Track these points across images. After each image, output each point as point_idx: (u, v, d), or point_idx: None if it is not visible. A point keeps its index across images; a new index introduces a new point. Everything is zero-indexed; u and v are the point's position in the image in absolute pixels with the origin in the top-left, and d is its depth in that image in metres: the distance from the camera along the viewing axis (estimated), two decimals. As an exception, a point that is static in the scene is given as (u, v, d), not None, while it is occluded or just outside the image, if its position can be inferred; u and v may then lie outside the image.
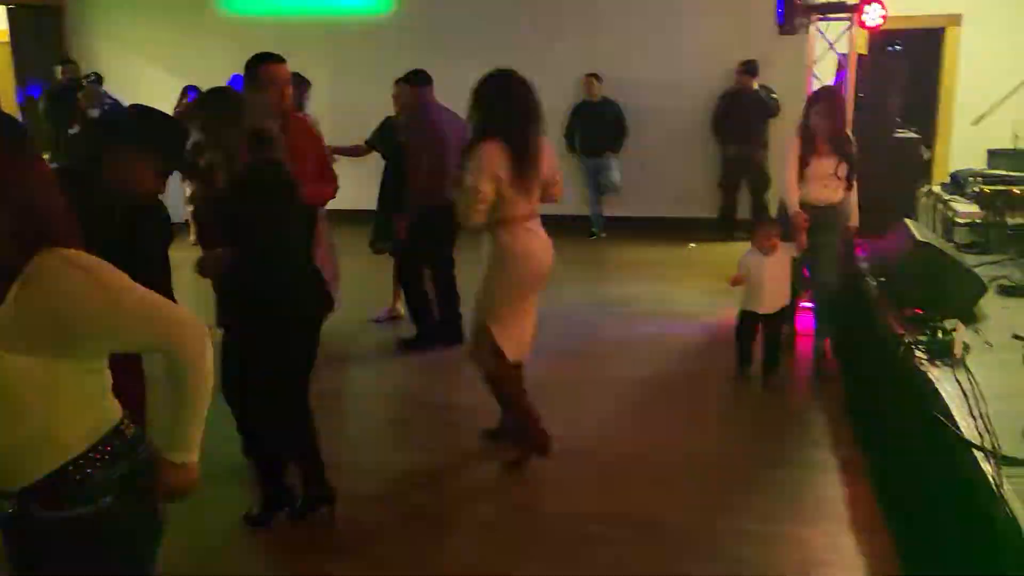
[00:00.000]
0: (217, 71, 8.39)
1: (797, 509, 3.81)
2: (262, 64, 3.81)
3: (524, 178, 3.84)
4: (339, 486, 3.66)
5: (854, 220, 5.31)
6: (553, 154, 4.11)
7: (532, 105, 3.90)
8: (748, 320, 5.17)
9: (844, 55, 5.79)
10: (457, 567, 3.40)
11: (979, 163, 7.61)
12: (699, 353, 5.79)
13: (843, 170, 5.13)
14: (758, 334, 5.17)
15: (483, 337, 4.00)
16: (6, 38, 10.30)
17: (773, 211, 8.60)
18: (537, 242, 3.99)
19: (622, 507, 3.78)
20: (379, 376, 5.59)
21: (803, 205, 5.12)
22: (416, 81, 5.76)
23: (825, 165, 5.11)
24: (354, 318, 6.13)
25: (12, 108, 9.69)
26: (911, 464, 3.54)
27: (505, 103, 3.84)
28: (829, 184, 5.15)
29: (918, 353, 3.81)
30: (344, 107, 8.68)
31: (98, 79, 8.98)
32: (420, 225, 5.70)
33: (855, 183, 5.22)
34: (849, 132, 5.29)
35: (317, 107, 6.67)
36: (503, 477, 4.13)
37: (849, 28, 5.69)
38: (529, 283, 4.00)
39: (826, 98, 5.22)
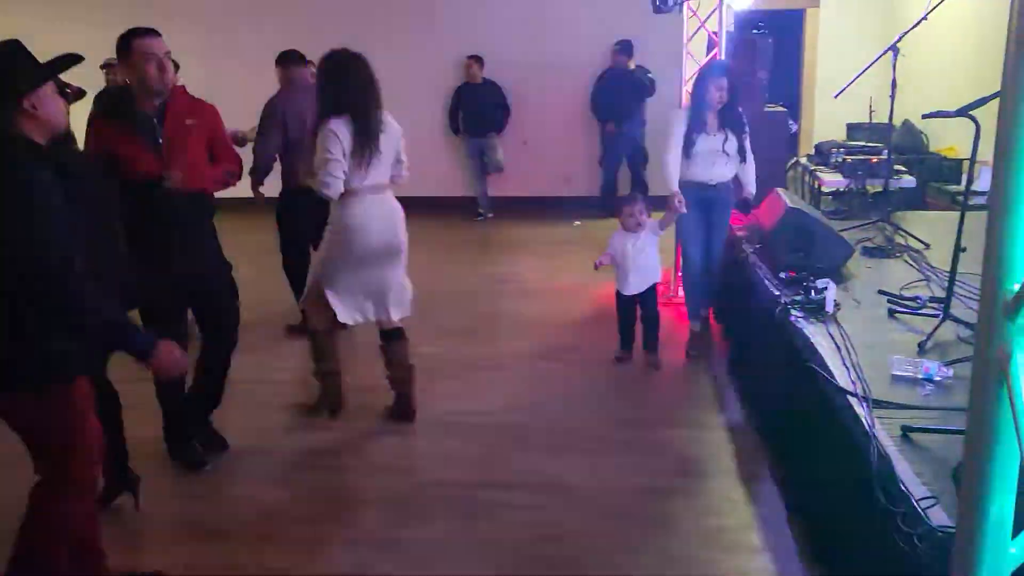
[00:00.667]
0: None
1: (689, 465, 4.00)
2: (135, 38, 3.60)
3: (363, 153, 4.03)
4: (241, 469, 3.61)
5: (750, 189, 5.26)
6: (400, 133, 4.26)
7: (370, 81, 4.08)
8: (623, 301, 5.21)
9: (715, 33, 6.02)
10: (356, 534, 3.43)
11: (840, 136, 8.10)
12: (587, 327, 5.94)
13: (732, 146, 5.03)
14: (637, 313, 5.21)
15: (318, 297, 4.28)
16: None
17: (654, 188, 8.93)
18: (377, 215, 4.19)
19: (520, 474, 3.89)
20: (273, 361, 5.49)
21: (692, 183, 5.01)
22: (278, 61, 5.73)
23: (712, 141, 4.99)
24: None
25: None
26: (792, 414, 3.77)
27: (345, 80, 4.00)
28: (718, 161, 5.04)
29: (794, 312, 4.05)
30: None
31: None
32: (284, 210, 5.68)
33: (750, 156, 5.15)
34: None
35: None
36: (402, 452, 4.16)
37: (719, 7, 5.92)
38: (364, 254, 4.20)
39: (719, 72, 5.03)
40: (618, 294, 5.22)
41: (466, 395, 4.80)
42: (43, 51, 2.61)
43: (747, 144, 5.14)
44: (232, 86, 9.49)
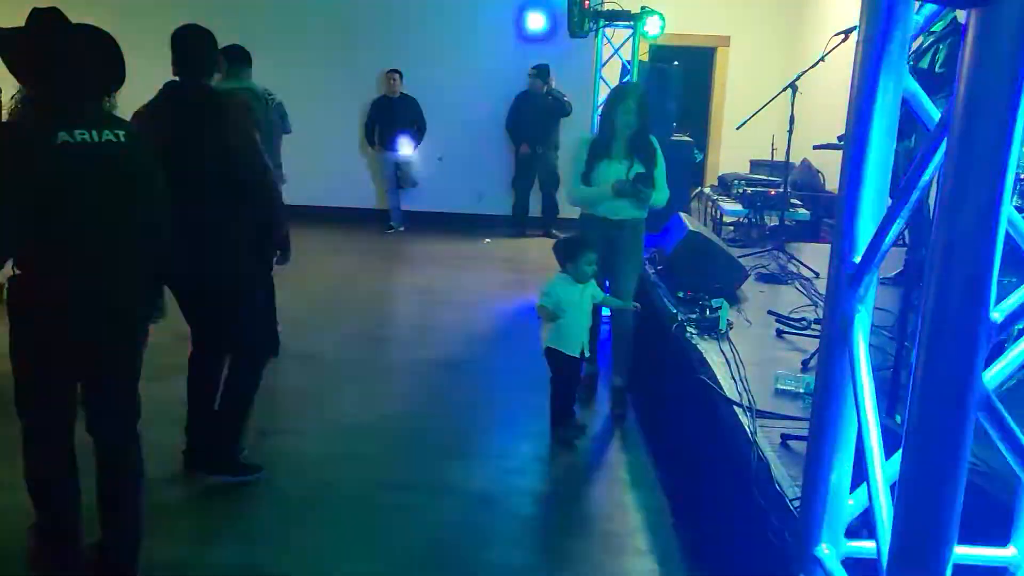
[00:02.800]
0: None
1: (582, 473, 4.10)
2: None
3: None
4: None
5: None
6: None
7: None
8: (566, 363, 4.36)
9: (629, 61, 6.24)
10: (250, 530, 3.40)
11: (744, 170, 8.44)
12: (491, 337, 6.03)
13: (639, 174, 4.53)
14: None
15: None
16: None
17: (564, 211, 9.12)
18: None
19: (417, 476, 3.92)
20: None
21: (594, 219, 4.61)
22: None
23: (617, 169, 4.53)
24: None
25: None
26: (683, 424, 3.91)
27: None
28: None
29: (689, 329, 4.21)
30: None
31: None
32: None
33: (663, 191, 4.65)
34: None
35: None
36: (300, 453, 4.14)
37: (632, 35, 6.15)
38: None
39: (635, 95, 4.65)
40: (556, 354, 4.33)
41: (367, 400, 4.80)
42: None
43: (659, 175, 4.61)
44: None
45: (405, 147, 9.29)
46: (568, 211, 9.25)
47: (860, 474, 1.15)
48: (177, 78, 3.55)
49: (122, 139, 2.72)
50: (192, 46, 3.54)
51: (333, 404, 4.68)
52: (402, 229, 9.45)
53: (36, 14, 2.67)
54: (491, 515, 3.62)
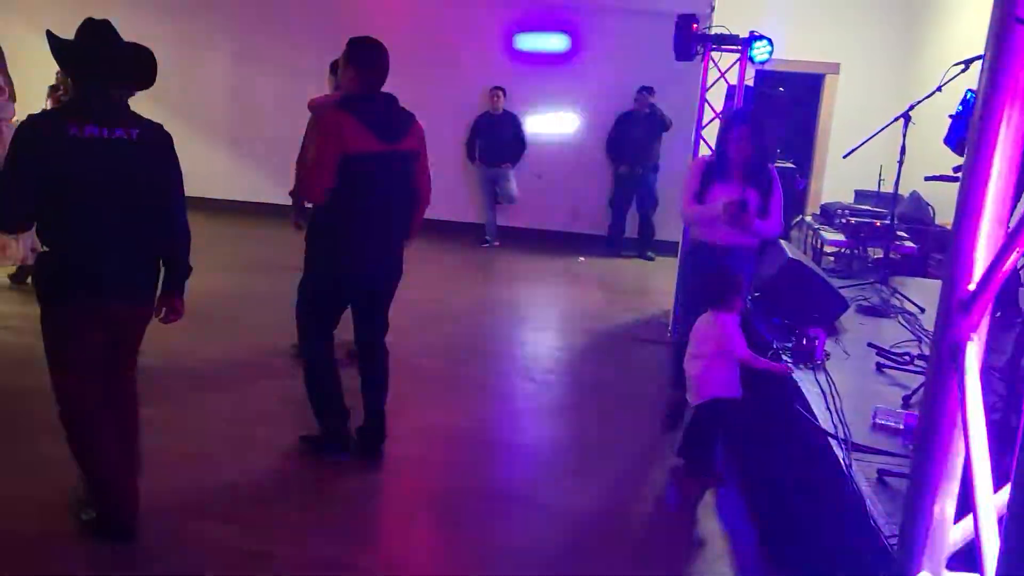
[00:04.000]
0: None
1: (663, 496, 4.06)
2: None
3: None
4: (236, 457, 3.65)
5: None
6: None
7: None
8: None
9: (734, 85, 6.19)
10: (338, 526, 3.49)
11: (848, 200, 8.23)
12: (583, 356, 6.03)
13: (753, 202, 4.50)
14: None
15: None
16: None
17: (661, 234, 9.07)
18: None
19: (496, 486, 3.96)
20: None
21: (703, 244, 4.59)
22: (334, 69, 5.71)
23: (728, 194, 4.48)
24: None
25: None
26: (773, 453, 3.84)
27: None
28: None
29: (784, 357, 4.13)
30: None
31: None
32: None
33: (776, 218, 4.62)
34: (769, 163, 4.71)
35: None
36: (398, 457, 4.22)
37: (740, 60, 6.09)
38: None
39: (751, 122, 4.63)
40: (725, 402, 4.00)
41: (463, 409, 4.87)
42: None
43: (774, 205, 4.58)
44: (261, 91, 9.72)
45: (504, 164, 9.40)
46: (665, 234, 9.21)
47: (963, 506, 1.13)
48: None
49: (134, 138, 3.03)
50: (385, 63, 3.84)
51: (431, 411, 4.77)
52: (497, 244, 9.55)
53: (90, 23, 3.04)
54: (576, 531, 3.62)
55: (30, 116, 3.09)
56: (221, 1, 9.82)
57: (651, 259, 9.25)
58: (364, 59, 3.77)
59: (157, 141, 3.14)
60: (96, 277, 3.06)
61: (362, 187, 3.70)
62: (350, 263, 3.84)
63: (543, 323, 6.70)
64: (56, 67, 7.13)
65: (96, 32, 3.05)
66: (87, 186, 2.99)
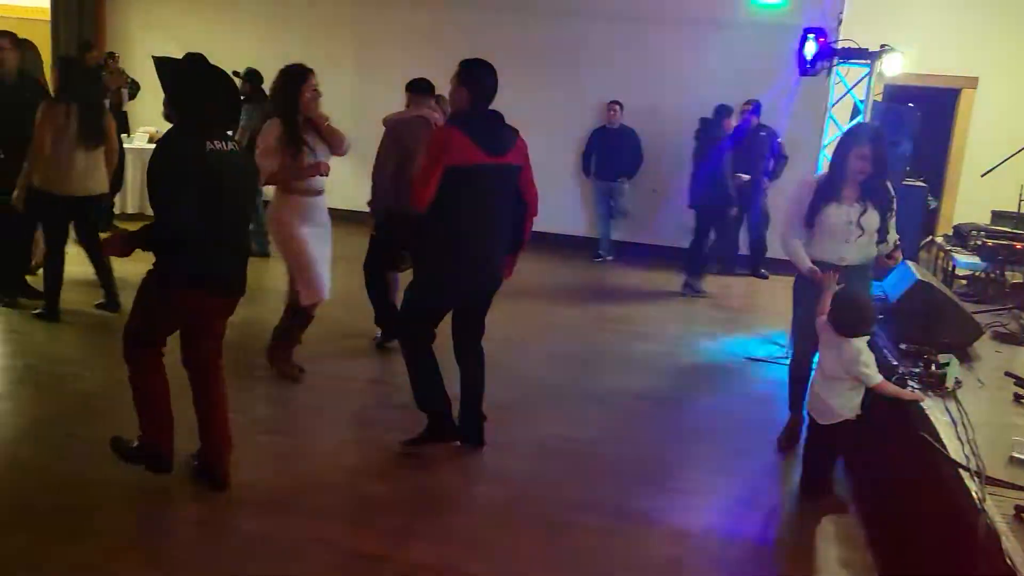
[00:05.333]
0: (244, 58, 8.63)
1: (781, 520, 3.93)
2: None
3: None
4: (346, 459, 3.73)
5: (896, 254, 4.63)
6: None
7: None
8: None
9: (862, 100, 5.97)
10: (447, 532, 3.54)
11: (984, 221, 7.81)
12: (692, 373, 5.93)
13: (871, 221, 4.34)
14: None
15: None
16: (48, 16, 10.49)
17: (770, 250, 8.83)
18: None
19: (604, 501, 3.92)
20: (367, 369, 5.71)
21: (815, 263, 4.35)
22: (409, 87, 5.77)
23: (846, 213, 4.33)
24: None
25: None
26: (897, 482, 3.66)
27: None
28: (851, 238, 4.34)
29: (911, 383, 3.94)
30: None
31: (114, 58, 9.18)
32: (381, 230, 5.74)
33: (893, 237, 4.48)
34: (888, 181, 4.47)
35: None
36: (498, 465, 4.25)
37: (868, 75, 5.88)
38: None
39: (871, 138, 4.36)
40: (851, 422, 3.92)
41: (566, 421, 4.86)
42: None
43: (892, 223, 4.45)
44: (383, 106, 9.99)
45: (620, 178, 9.36)
46: (777, 251, 8.95)
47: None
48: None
49: (235, 149, 3.56)
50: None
51: (533, 422, 4.78)
52: (610, 258, 9.50)
53: (192, 56, 3.59)
54: (685, 551, 3.55)
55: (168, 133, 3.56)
56: (343, 18, 10.16)
57: (764, 277, 9.01)
58: (475, 80, 4.00)
59: (246, 152, 3.74)
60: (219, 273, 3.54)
61: (469, 197, 3.91)
62: (458, 269, 4.03)
63: (654, 339, 6.61)
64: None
65: (200, 64, 3.57)
66: (219, 192, 3.48)
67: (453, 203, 3.87)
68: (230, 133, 3.71)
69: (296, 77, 4.80)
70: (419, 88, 5.64)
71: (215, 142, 3.45)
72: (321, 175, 4.80)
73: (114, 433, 3.79)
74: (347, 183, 10.18)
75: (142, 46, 10.22)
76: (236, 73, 8.35)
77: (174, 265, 3.47)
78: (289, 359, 5.17)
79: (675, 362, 6.13)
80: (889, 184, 4.48)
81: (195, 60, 3.58)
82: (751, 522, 3.88)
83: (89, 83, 6.11)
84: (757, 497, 4.11)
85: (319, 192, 4.89)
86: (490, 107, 4.05)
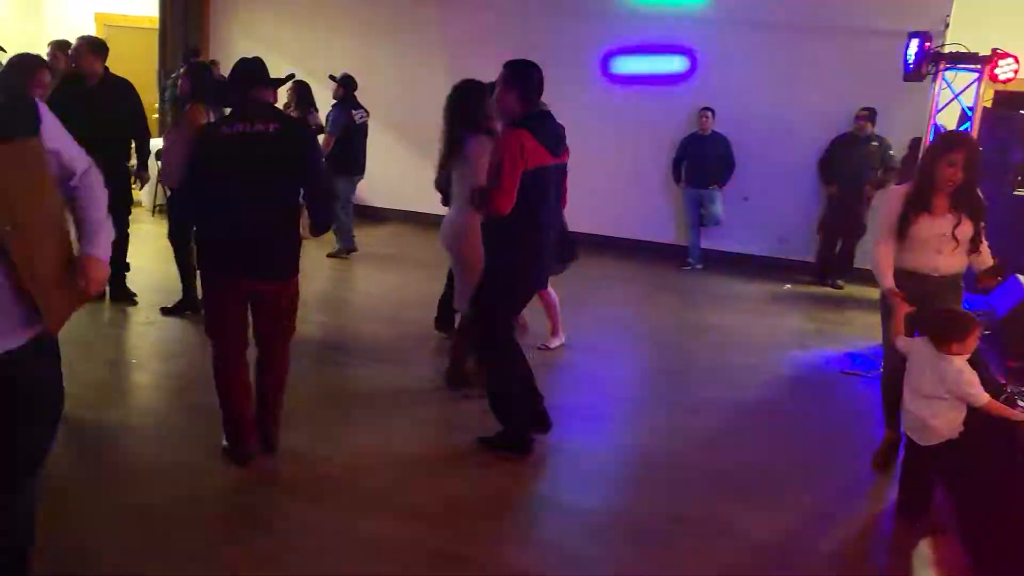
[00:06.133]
0: (339, 64, 8.84)
1: (876, 543, 3.80)
2: None
3: None
4: (431, 462, 3.78)
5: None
6: None
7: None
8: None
9: (970, 107, 5.75)
10: (538, 538, 3.55)
11: (1099, 233, 7.40)
12: (784, 385, 5.79)
13: (965, 231, 4.20)
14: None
15: None
16: (156, 24, 10.97)
17: (859, 262, 8.55)
18: None
19: (700, 513, 3.86)
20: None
21: (907, 273, 4.24)
22: None
23: (938, 224, 4.19)
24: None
25: (154, 90, 10.34)
26: (1007, 507, 3.50)
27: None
28: (944, 248, 4.21)
29: (1020, 402, 3.76)
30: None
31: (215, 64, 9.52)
32: None
33: (984, 247, 4.31)
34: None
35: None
36: (588, 472, 4.23)
37: (978, 80, 5.65)
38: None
39: (965, 145, 4.21)
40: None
41: (656, 429, 4.82)
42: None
43: (982, 231, 4.31)
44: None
45: (711, 185, 9.23)
46: (865, 262, 8.67)
47: None
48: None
49: (270, 130, 3.67)
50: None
51: (621, 431, 4.76)
52: (699, 267, 9.37)
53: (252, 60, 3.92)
54: (771, 565, 3.47)
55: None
56: (432, 20, 10.30)
57: (839, 288, 8.74)
58: (523, 79, 4.05)
59: (296, 134, 3.89)
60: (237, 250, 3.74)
61: (537, 198, 4.01)
62: (530, 268, 4.17)
63: (742, 349, 6.48)
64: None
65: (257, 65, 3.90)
66: (232, 172, 3.73)
67: (526, 205, 3.94)
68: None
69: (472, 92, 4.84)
70: None
71: (244, 124, 3.67)
72: None
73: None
74: (408, 183, 10.40)
75: (242, 52, 10.54)
76: (332, 77, 8.61)
77: (203, 251, 3.86)
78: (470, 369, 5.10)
79: (766, 373, 6.01)
80: (979, 192, 4.30)
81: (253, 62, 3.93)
82: (847, 542, 3.77)
83: (217, 88, 6.35)
84: (852, 516, 4.00)
85: None
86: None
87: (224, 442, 4.00)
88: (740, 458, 4.52)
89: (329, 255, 8.39)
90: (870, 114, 8.58)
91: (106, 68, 6.12)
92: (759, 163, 9.33)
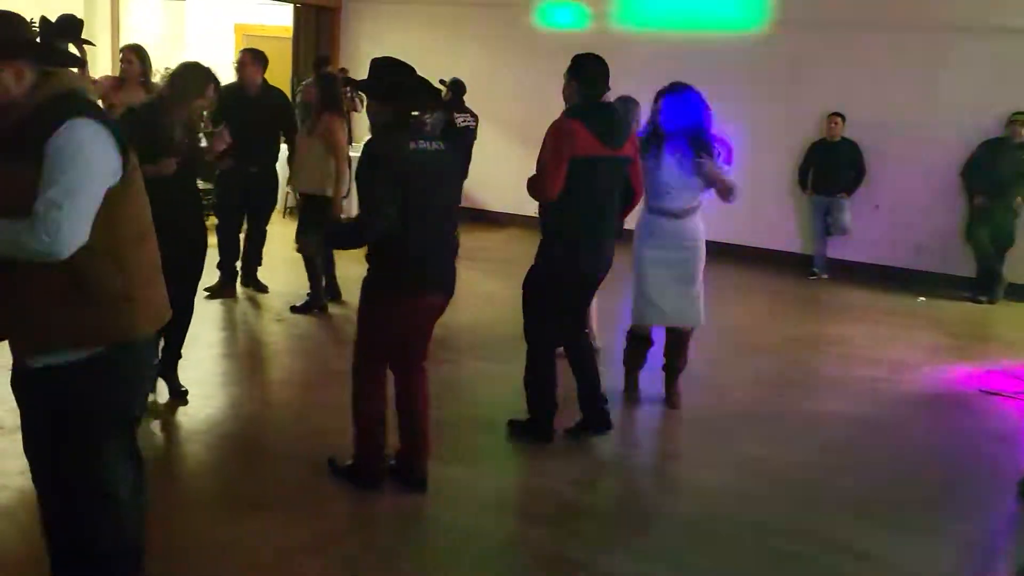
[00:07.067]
0: (463, 71, 8.98)
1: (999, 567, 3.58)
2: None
3: None
4: (549, 464, 3.79)
5: None
6: None
7: None
8: None
9: None
10: (646, 546, 3.50)
11: None
12: (913, 403, 5.51)
13: None
14: None
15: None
16: (290, 34, 11.44)
17: (1017, 274, 8.05)
18: None
19: (817, 529, 3.73)
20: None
21: None
22: None
23: None
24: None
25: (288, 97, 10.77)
26: None
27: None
28: None
29: None
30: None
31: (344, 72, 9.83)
32: None
33: None
34: None
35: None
36: (699, 482, 4.16)
37: None
38: None
39: None
40: None
41: (771, 441, 4.67)
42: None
43: None
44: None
45: (839, 193, 8.90)
46: (1013, 275, 8.17)
47: None
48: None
49: (442, 147, 3.60)
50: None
51: (736, 440, 4.64)
52: (825, 277, 9.04)
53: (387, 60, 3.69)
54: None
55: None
56: (555, 33, 10.34)
57: (982, 302, 8.21)
58: (581, 70, 4.18)
59: (451, 151, 3.73)
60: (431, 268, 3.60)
61: (586, 187, 4.08)
62: (575, 256, 4.21)
63: (872, 363, 6.21)
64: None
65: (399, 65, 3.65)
66: (422, 188, 3.50)
67: (573, 194, 4.06)
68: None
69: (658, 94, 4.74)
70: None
71: (419, 141, 3.50)
72: None
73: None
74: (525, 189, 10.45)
75: (369, 59, 10.87)
76: (442, 81, 8.76)
77: (395, 271, 3.50)
78: (629, 381, 5.10)
79: (895, 389, 5.74)
80: None
81: (394, 62, 3.67)
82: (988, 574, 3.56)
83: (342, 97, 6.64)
84: (994, 547, 3.77)
85: (676, 215, 4.70)
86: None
87: (348, 461, 3.83)
88: (865, 477, 4.33)
89: None
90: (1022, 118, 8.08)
91: (264, 78, 6.52)
92: (893, 170, 8.93)
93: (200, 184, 4.75)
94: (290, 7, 11.27)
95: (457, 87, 8.66)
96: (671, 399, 4.94)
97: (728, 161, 4.68)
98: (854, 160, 8.92)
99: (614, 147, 4.12)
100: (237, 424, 4.54)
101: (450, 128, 8.41)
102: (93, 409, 2.37)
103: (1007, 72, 8.38)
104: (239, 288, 6.85)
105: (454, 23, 10.91)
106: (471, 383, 5.36)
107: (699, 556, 3.49)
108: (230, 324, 6.31)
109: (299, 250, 6.16)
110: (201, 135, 4.62)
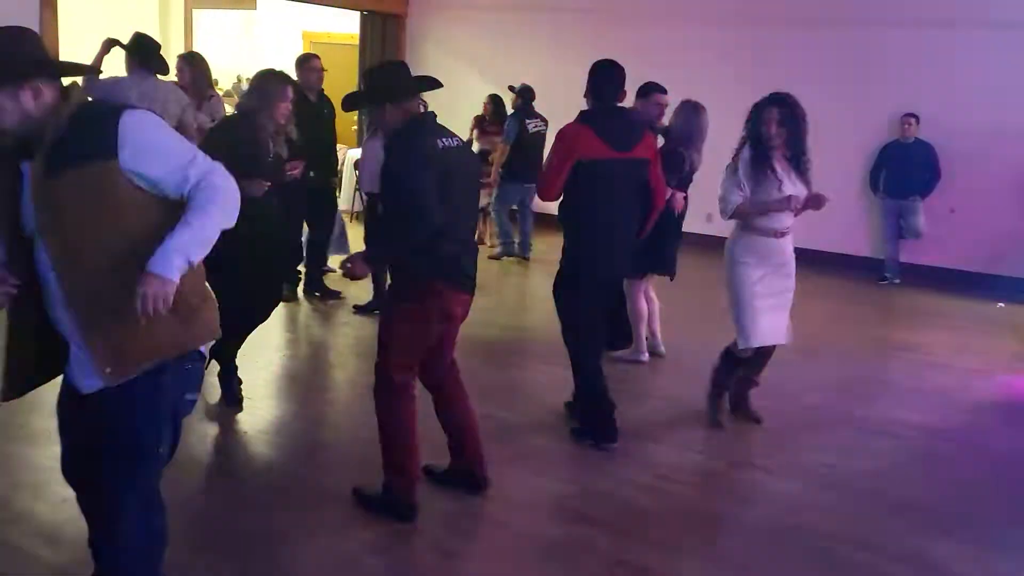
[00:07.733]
0: (528, 76, 9.00)
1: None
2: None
3: None
4: (611, 467, 3.77)
5: None
6: None
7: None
8: None
9: None
10: (713, 554, 3.47)
11: None
12: (990, 412, 5.34)
13: None
14: None
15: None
16: (356, 41, 11.62)
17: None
18: None
19: (891, 544, 3.63)
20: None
21: None
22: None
23: None
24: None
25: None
26: None
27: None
28: None
29: None
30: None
31: None
32: None
33: None
34: None
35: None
36: (768, 490, 4.09)
37: None
38: None
39: None
40: None
41: (841, 449, 4.58)
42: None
43: None
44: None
45: (913, 196, 8.66)
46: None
47: None
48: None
49: (463, 142, 3.57)
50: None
51: (804, 447, 4.56)
52: (897, 281, 8.81)
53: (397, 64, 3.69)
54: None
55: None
56: (626, 38, 10.28)
57: None
58: (592, 79, 4.29)
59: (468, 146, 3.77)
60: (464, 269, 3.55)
61: (596, 190, 4.20)
62: (591, 259, 4.29)
63: (945, 370, 6.03)
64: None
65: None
66: (453, 187, 3.41)
67: (582, 196, 4.21)
68: None
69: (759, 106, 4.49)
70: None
71: (442, 139, 3.39)
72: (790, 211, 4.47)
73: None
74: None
75: (436, 66, 10.98)
76: (511, 88, 8.80)
77: (431, 267, 3.38)
78: (714, 404, 4.81)
79: (970, 397, 5.56)
80: None
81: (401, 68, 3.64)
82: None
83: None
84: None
85: (782, 234, 4.57)
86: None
87: (379, 490, 3.59)
88: (939, 488, 4.22)
89: (490, 257, 8.81)
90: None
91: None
92: (968, 172, 8.66)
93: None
94: (357, 14, 11.44)
95: (526, 93, 8.70)
96: (751, 413, 4.82)
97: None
98: (929, 162, 8.68)
99: (623, 150, 4.19)
100: (302, 425, 4.62)
101: (522, 135, 8.47)
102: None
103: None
104: (301, 293, 6.95)
105: (520, 28, 10.95)
106: (537, 386, 5.36)
107: (766, 564, 3.44)
108: (295, 327, 6.43)
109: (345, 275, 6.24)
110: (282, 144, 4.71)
